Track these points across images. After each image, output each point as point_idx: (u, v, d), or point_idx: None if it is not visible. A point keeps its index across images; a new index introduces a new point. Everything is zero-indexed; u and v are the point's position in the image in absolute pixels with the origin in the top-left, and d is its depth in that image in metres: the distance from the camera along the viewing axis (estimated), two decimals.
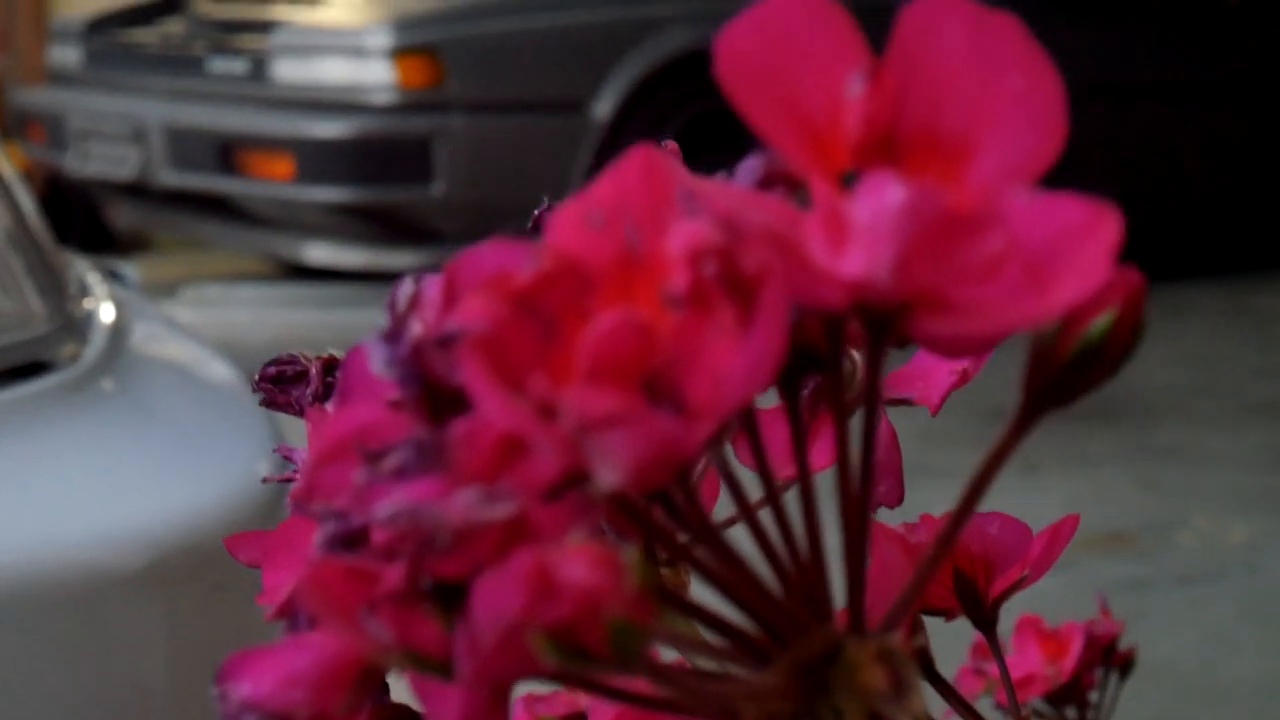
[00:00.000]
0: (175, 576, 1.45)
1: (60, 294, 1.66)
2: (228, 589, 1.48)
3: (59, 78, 6.18)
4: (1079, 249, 0.33)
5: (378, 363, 0.36)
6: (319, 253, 5.41)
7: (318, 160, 5.20)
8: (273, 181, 5.29)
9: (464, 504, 0.32)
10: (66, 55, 6.13)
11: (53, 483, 1.44)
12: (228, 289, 5.43)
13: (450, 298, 0.36)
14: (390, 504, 0.33)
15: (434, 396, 0.35)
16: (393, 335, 0.36)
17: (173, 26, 5.97)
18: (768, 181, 0.39)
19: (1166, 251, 6.00)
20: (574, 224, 0.34)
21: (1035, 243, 0.33)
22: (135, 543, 1.43)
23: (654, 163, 0.34)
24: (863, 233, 0.32)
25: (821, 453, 0.45)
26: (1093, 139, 5.82)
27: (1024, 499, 3.65)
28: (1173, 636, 3.20)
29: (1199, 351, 5.21)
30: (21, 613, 1.36)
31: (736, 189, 0.35)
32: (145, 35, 5.99)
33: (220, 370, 1.87)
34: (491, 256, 0.36)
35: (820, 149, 0.35)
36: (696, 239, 0.32)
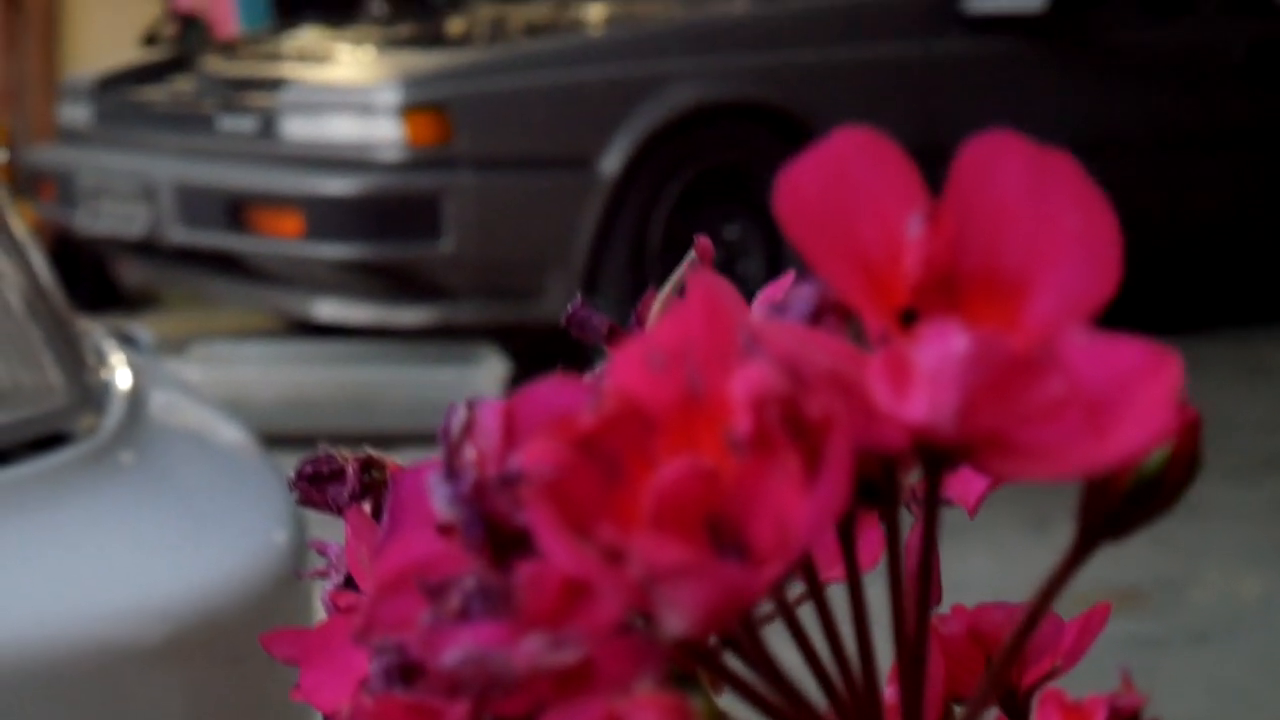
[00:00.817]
0: (193, 650, 1.45)
1: (78, 365, 1.66)
2: (245, 662, 1.48)
3: (69, 136, 6.20)
4: (1140, 392, 0.33)
5: (440, 501, 0.36)
6: (328, 309, 5.42)
7: (326, 217, 5.22)
8: (282, 239, 5.30)
9: (531, 650, 0.32)
10: (77, 113, 6.15)
11: (72, 556, 1.44)
12: (236, 346, 5.44)
13: (510, 435, 0.36)
14: (458, 650, 0.33)
15: (495, 534, 0.35)
16: (452, 471, 0.37)
17: (182, 85, 6.00)
18: (820, 312, 0.39)
19: (1176, 305, 6.01)
20: (636, 365, 0.34)
21: (1096, 385, 0.33)
22: (154, 617, 1.43)
23: (716, 303, 0.35)
24: (927, 379, 0.32)
25: (867, 549, 0.45)
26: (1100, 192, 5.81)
27: (1034, 555, 3.65)
28: (1185, 695, 3.19)
29: (1209, 405, 5.18)
30: (42, 686, 1.36)
31: (797, 328, 0.36)
32: (155, 93, 6.01)
33: (235, 436, 1.88)
34: (551, 395, 0.36)
35: (879, 288, 0.35)
36: (760, 384, 0.33)
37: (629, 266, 5.31)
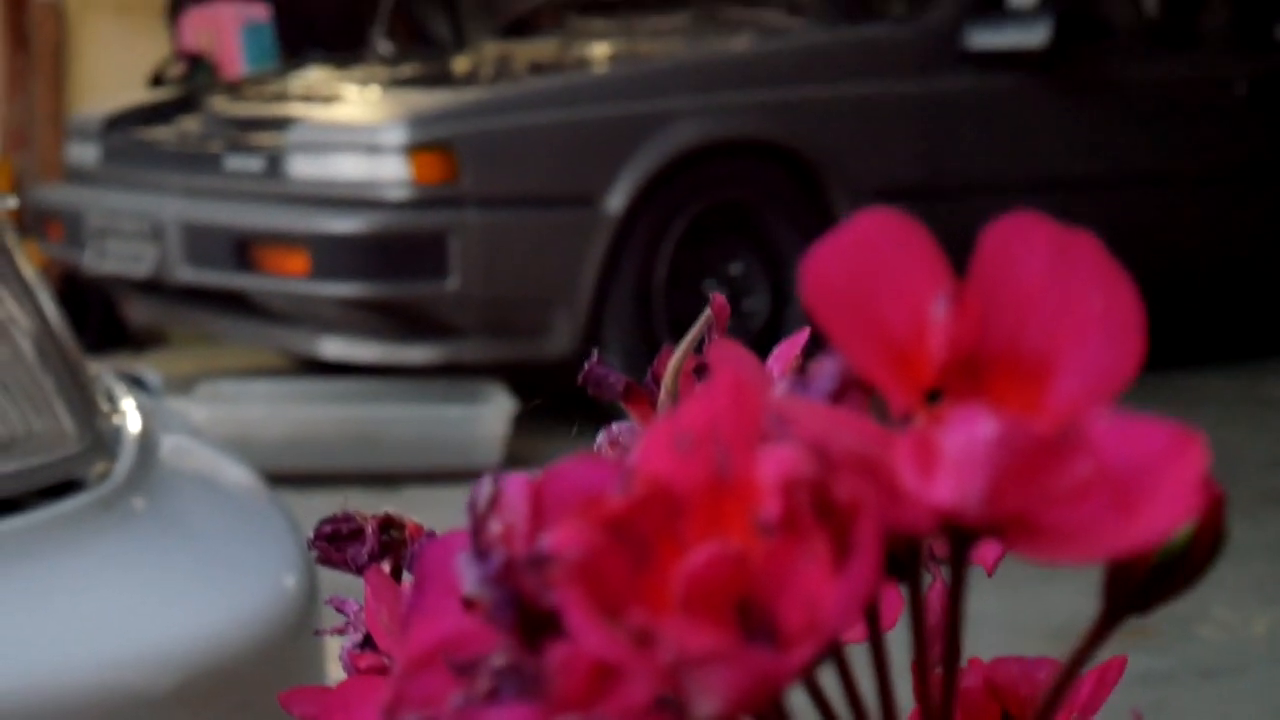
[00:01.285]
0: (203, 697, 1.46)
1: (89, 410, 1.66)
2: (254, 709, 1.48)
3: (77, 175, 6.21)
4: (1166, 474, 0.33)
5: (470, 582, 0.36)
6: (334, 348, 5.43)
7: (333, 256, 5.23)
8: (288, 277, 5.31)
9: None
10: (84, 153, 6.16)
11: (83, 603, 1.44)
12: (243, 384, 5.44)
13: (539, 513, 0.36)
14: None
15: (525, 615, 0.36)
16: (480, 548, 0.37)
17: (189, 124, 6.01)
18: (843, 389, 0.39)
19: (1179, 340, 6.01)
20: (664, 446, 0.35)
21: (1121, 466, 0.34)
22: (165, 664, 1.43)
23: (743, 385, 0.35)
24: (954, 463, 0.33)
25: (887, 608, 0.45)
26: (1103, 227, 5.82)
27: (1042, 590, 3.65)
28: None
29: (1214, 441, 5.16)
30: None
31: (822, 408, 0.36)
32: (162, 133, 6.02)
33: (245, 479, 1.88)
34: (579, 475, 0.36)
35: (904, 368, 0.35)
36: (788, 467, 0.33)
37: (634, 303, 5.31)
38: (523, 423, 4.93)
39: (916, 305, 0.35)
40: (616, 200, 5.31)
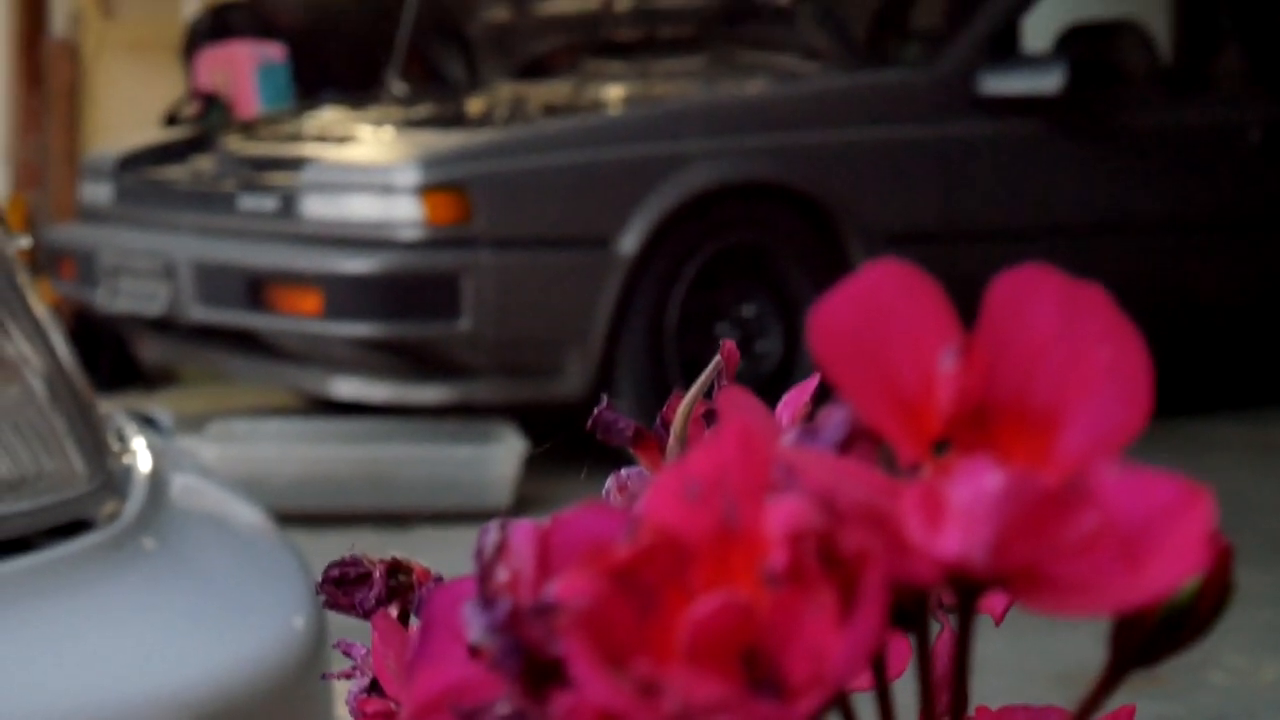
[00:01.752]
0: None
1: (100, 450, 1.66)
2: None
3: (90, 214, 6.23)
4: (1173, 528, 0.33)
5: (476, 631, 0.36)
6: (346, 387, 5.43)
7: (346, 296, 5.23)
8: (301, 317, 5.32)
9: None
10: (98, 192, 6.18)
11: (94, 644, 1.44)
12: (255, 423, 5.44)
13: (545, 561, 0.37)
14: None
15: (530, 663, 0.36)
16: (486, 598, 0.37)
17: (203, 164, 6.02)
18: (852, 438, 0.39)
19: (1191, 385, 6.00)
20: (671, 495, 0.35)
21: (1129, 520, 0.33)
22: (173, 705, 1.43)
23: (751, 434, 0.35)
24: (960, 515, 0.33)
25: (893, 657, 0.45)
26: (1116, 272, 5.84)
27: (1051, 635, 3.64)
28: None
29: (1225, 487, 5.17)
30: None
31: (830, 458, 0.36)
32: (176, 172, 6.04)
33: (255, 519, 1.88)
34: (586, 523, 0.36)
35: (912, 419, 0.36)
36: (795, 519, 0.33)
37: (647, 345, 5.31)
38: (533, 463, 4.93)
39: (925, 356, 0.35)
40: (630, 242, 5.31)
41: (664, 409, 0.63)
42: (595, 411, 0.63)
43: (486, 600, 0.37)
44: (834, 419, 0.40)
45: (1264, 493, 5.23)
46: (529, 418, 5.27)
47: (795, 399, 0.56)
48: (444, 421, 5.32)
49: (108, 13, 8.46)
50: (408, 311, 5.23)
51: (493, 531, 0.42)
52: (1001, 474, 0.32)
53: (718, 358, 0.60)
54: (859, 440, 0.39)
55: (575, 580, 0.34)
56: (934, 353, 0.35)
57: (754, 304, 5.48)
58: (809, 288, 5.40)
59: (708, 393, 0.61)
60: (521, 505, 4.89)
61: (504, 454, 4.91)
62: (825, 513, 0.33)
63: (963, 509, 0.32)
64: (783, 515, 0.33)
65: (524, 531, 0.41)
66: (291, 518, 3.48)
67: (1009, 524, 0.32)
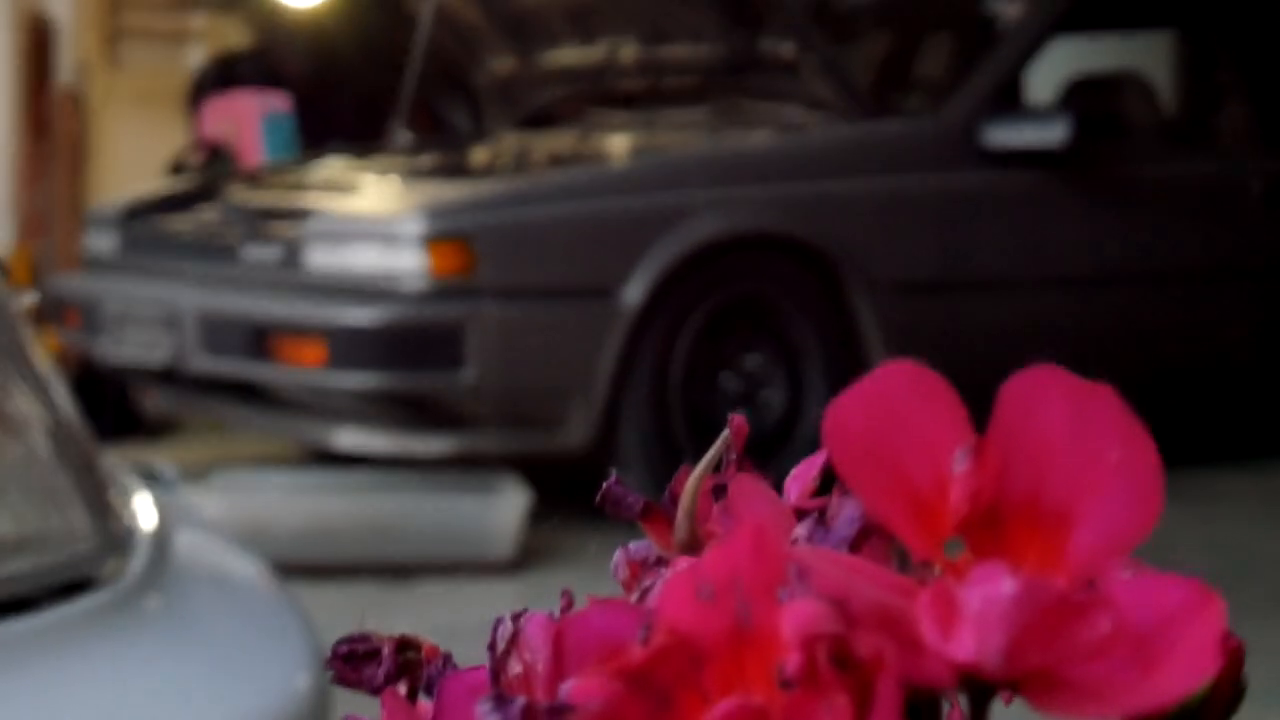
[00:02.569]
0: None
1: (104, 508, 1.67)
2: None
3: (94, 264, 6.24)
4: (1185, 632, 0.33)
5: None
6: (349, 438, 5.43)
7: (349, 347, 5.24)
8: (304, 368, 5.32)
9: None
10: (103, 242, 6.20)
11: (97, 705, 1.44)
12: (258, 475, 5.44)
13: (560, 658, 0.37)
14: None
15: None
16: (499, 693, 0.37)
17: (207, 214, 6.04)
18: (865, 534, 0.40)
19: (1197, 437, 6.00)
20: (685, 596, 0.35)
21: (1141, 623, 0.34)
22: None
23: (764, 534, 0.35)
24: (974, 619, 0.33)
25: None
26: (1120, 324, 5.84)
27: None
28: None
29: (1232, 539, 5.18)
30: None
31: (843, 558, 0.36)
32: (180, 223, 6.05)
33: (259, 576, 1.88)
34: (600, 621, 0.37)
35: (924, 519, 0.36)
36: (809, 622, 0.33)
37: (651, 397, 5.31)
38: (537, 515, 4.92)
39: (938, 456, 0.35)
40: (634, 293, 5.32)
41: (672, 483, 0.63)
42: (603, 486, 0.63)
43: (500, 698, 0.37)
44: (846, 514, 0.40)
45: (1271, 543, 5.22)
46: (533, 469, 5.27)
47: (803, 474, 0.56)
48: (447, 473, 5.32)
49: (114, 63, 8.49)
50: (411, 362, 5.24)
51: (506, 624, 0.42)
52: (1014, 579, 0.32)
53: (726, 432, 0.60)
54: (872, 538, 0.40)
55: (590, 682, 0.34)
56: (946, 453, 0.35)
57: (758, 355, 5.48)
58: (813, 338, 5.41)
59: (716, 466, 0.61)
60: (525, 557, 4.89)
61: (507, 505, 4.91)
62: (838, 616, 0.33)
63: (976, 613, 0.33)
64: (797, 618, 0.33)
65: (537, 624, 0.41)
66: (294, 569, 3.47)
67: (1022, 628, 0.32)
